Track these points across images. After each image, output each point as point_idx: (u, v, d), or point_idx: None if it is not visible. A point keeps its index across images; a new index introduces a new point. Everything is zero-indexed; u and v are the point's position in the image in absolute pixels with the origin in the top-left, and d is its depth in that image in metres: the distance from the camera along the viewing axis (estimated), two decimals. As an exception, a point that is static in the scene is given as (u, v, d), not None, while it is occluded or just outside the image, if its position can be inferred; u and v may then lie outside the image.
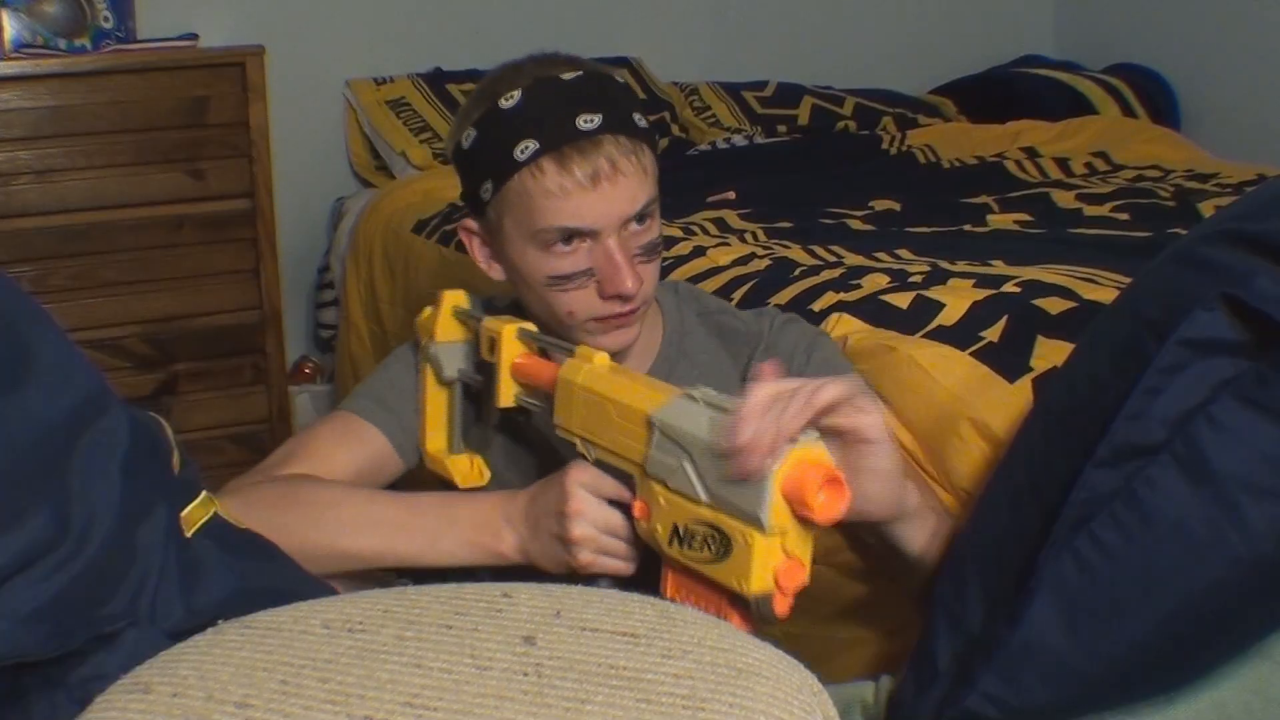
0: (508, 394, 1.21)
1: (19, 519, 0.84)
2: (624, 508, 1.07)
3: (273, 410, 2.67)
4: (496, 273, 1.28)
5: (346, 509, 1.18)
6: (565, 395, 1.12)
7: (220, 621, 0.87)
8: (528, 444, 1.32)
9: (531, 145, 1.17)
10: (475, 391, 1.29)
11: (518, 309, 1.29)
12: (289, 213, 2.76)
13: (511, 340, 1.21)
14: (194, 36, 2.68)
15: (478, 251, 1.28)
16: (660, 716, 0.73)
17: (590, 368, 1.12)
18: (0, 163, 2.42)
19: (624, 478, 1.07)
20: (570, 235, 1.18)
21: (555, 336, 1.22)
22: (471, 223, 1.27)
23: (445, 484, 1.29)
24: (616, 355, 1.22)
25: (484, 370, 1.25)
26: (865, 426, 0.99)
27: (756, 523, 0.94)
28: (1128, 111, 3.19)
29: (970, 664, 0.94)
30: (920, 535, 1.10)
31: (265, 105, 2.55)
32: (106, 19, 2.60)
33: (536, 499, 1.12)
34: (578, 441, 1.11)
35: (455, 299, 1.29)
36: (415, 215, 2.46)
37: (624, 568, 1.10)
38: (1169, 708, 0.93)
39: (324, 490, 1.21)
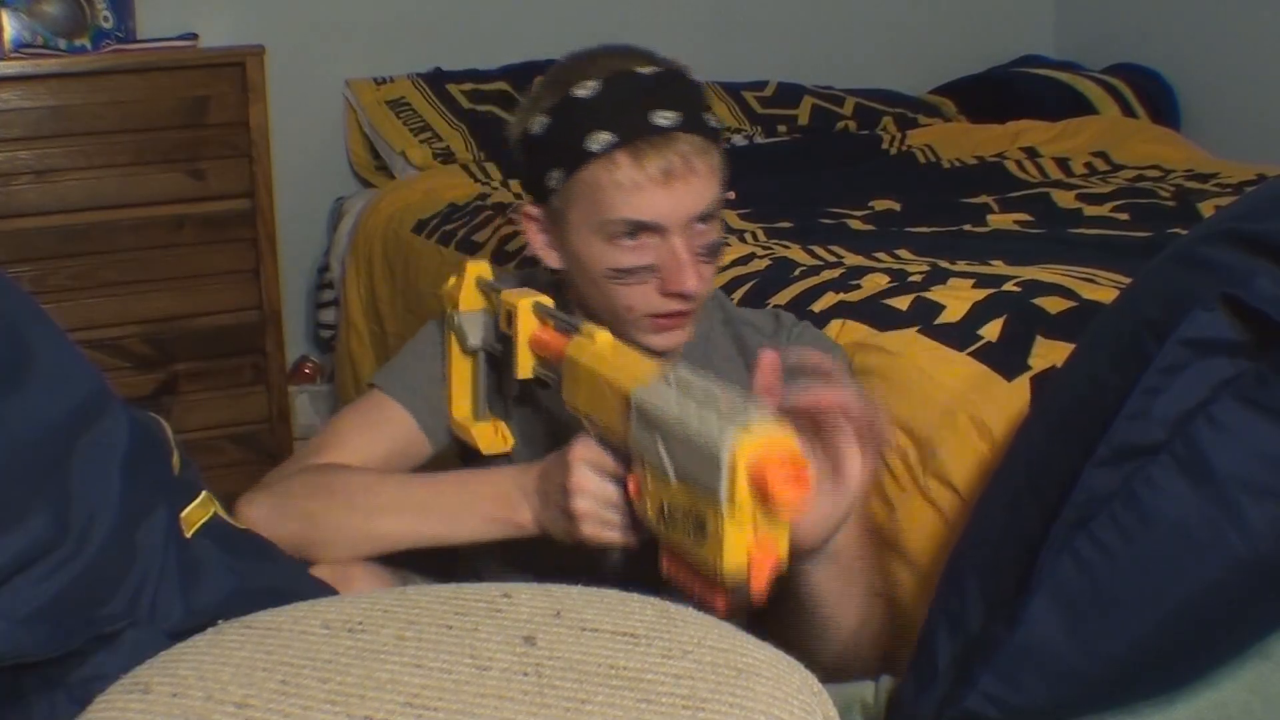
0: (526, 366, 1.22)
1: (19, 519, 0.84)
2: (625, 483, 1.08)
3: (273, 410, 2.66)
4: (553, 260, 1.28)
5: (379, 493, 1.21)
6: (571, 372, 1.13)
7: (220, 621, 0.87)
8: (543, 417, 1.33)
9: (607, 137, 1.17)
10: (498, 361, 1.30)
11: (557, 290, 1.29)
12: (289, 213, 2.75)
13: (528, 314, 1.22)
14: (194, 36, 2.68)
15: (536, 237, 1.28)
16: (660, 716, 0.73)
17: (593, 346, 1.12)
18: (0, 163, 2.42)
19: (622, 454, 1.07)
20: (637, 229, 1.19)
21: (612, 330, 1.20)
22: (533, 209, 1.27)
23: (468, 463, 1.32)
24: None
25: (504, 341, 1.26)
26: (850, 469, 1.00)
27: (716, 498, 0.93)
28: (1128, 111, 3.19)
29: (970, 664, 0.94)
30: (846, 599, 1.11)
31: (265, 105, 2.54)
32: (106, 19, 2.59)
33: (546, 473, 1.14)
34: (583, 418, 1.12)
35: (478, 269, 1.29)
36: (415, 215, 2.46)
37: (625, 540, 1.10)
38: (1169, 708, 0.93)
39: (356, 476, 1.24)
